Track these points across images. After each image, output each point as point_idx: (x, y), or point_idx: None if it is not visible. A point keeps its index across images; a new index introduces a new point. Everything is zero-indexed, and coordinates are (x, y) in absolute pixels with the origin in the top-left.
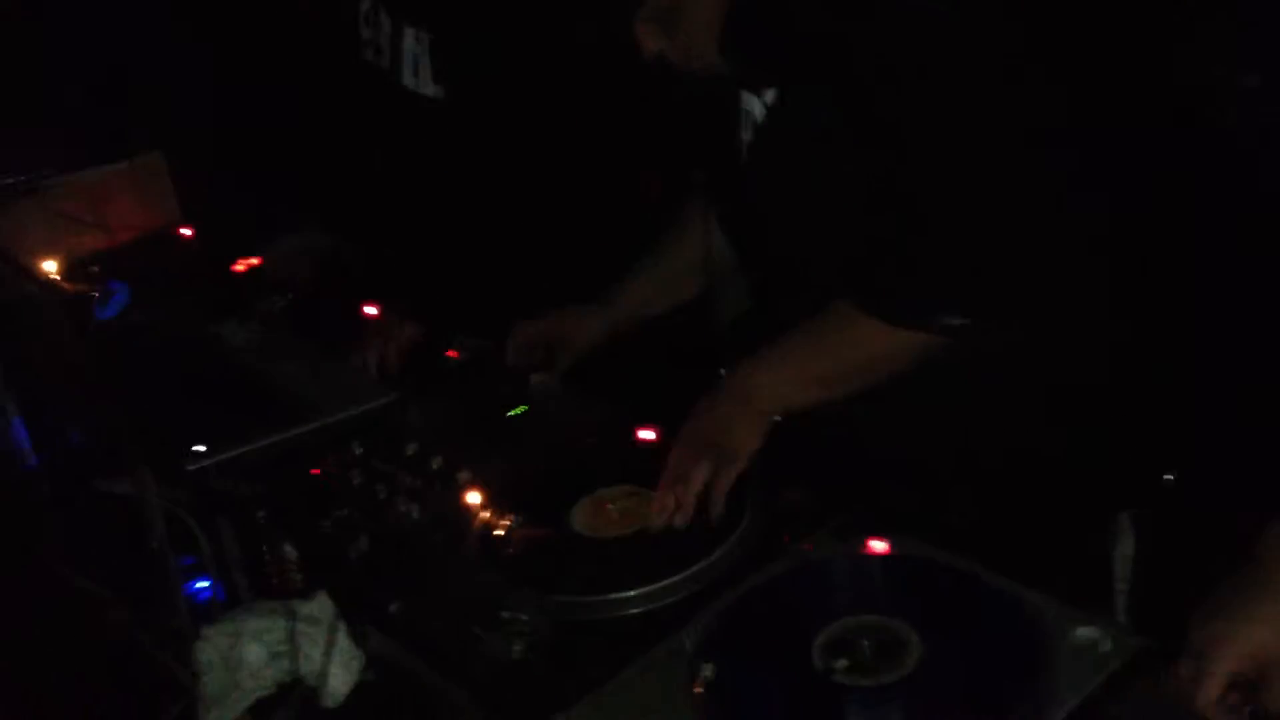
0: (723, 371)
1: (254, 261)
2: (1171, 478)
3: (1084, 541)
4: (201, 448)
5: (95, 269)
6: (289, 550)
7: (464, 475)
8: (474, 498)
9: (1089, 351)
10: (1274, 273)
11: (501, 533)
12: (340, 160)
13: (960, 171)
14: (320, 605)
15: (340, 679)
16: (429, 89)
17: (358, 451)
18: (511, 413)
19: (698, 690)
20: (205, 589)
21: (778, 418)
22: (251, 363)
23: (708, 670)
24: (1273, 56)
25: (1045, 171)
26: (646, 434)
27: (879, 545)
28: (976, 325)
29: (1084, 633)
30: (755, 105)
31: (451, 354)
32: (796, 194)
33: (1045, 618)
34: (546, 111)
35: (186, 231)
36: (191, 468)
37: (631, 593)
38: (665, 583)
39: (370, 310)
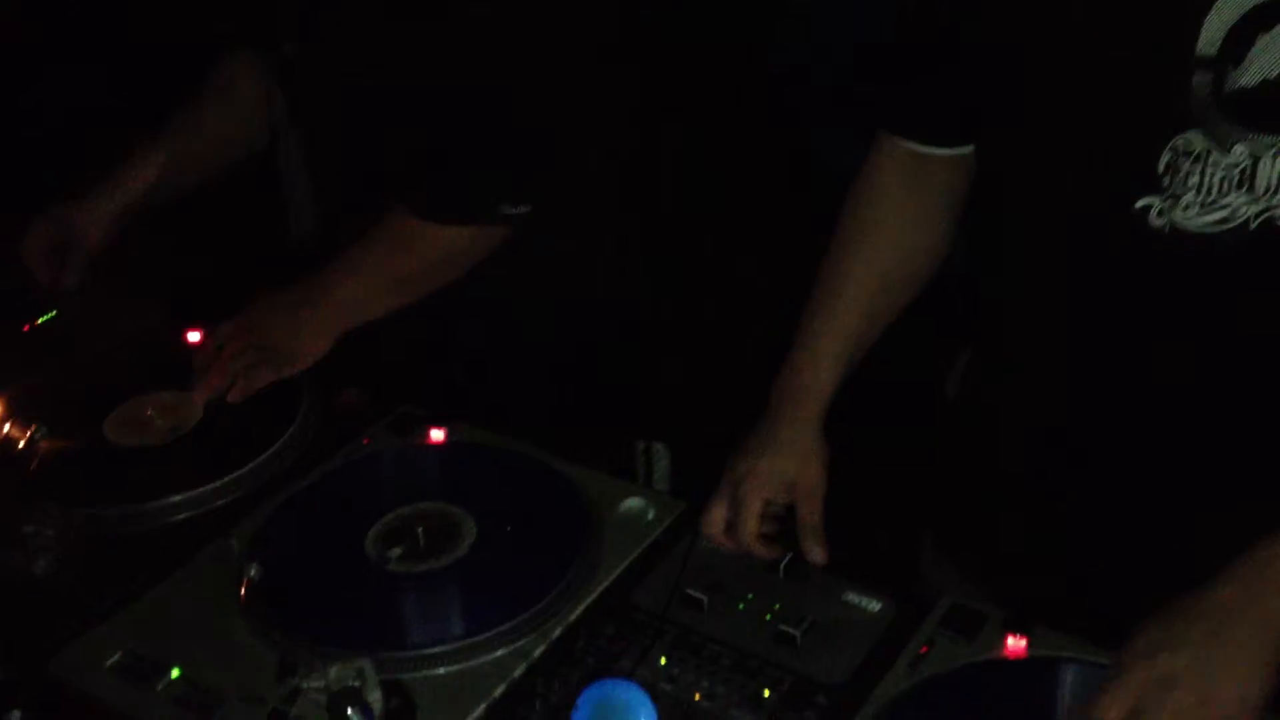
0: None
1: None
2: None
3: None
4: None
5: None
6: None
7: None
8: None
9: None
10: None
11: (23, 445)
12: None
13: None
14: None
15: None
16: None
17: None
18: (40, 319)
19: (242, 592)
20: None
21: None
22: None
23: (252, 570)
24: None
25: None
26: (194, 335)
27: (437, 434)
28: (534, 211)
29: (630, 503)
30: None
31: None
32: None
33: (593, 493)
34: None
35: None
36: None
37: (173, 498)
38: (209, 487)
39: None
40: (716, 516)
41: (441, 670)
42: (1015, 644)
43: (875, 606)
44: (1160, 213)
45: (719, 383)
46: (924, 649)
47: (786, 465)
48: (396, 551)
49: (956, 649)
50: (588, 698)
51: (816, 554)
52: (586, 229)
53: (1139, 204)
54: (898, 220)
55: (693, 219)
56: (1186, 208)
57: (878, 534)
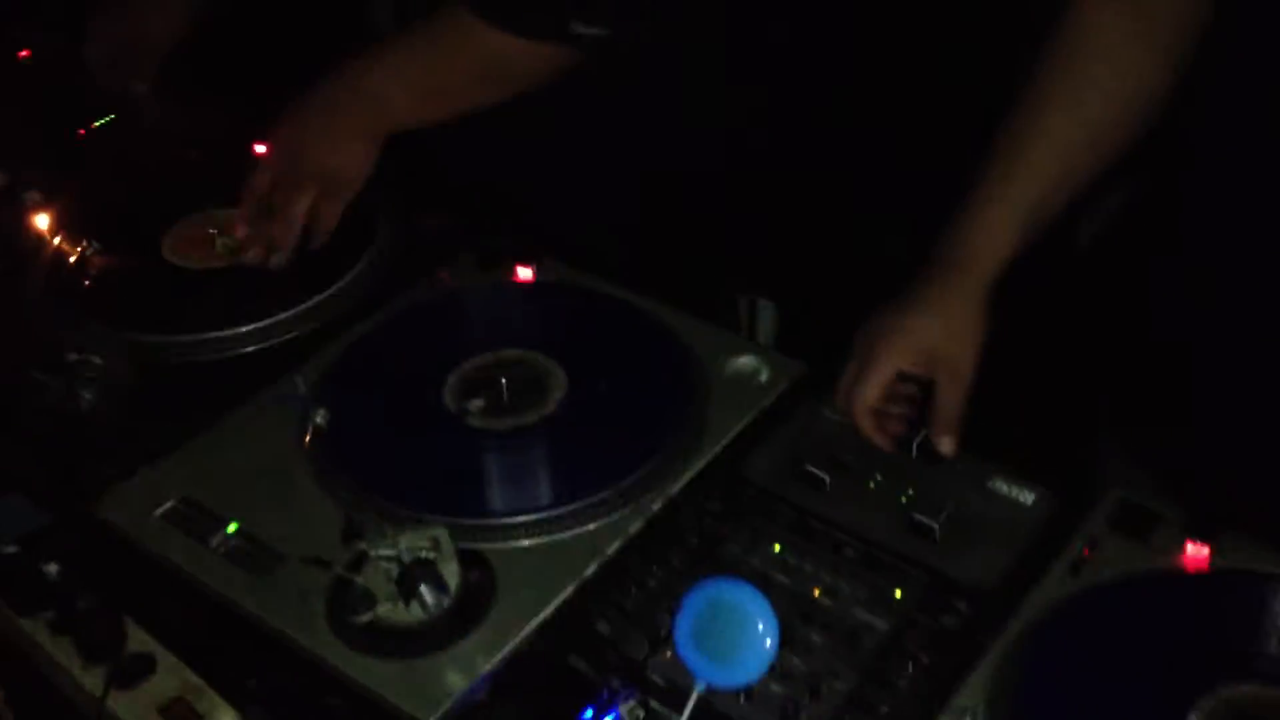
0: None
1: None
2: None
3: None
4: None
5: None
6: None
7: (33, 195)
8: (43, 221)
9: None
10: None
11: (74, 260)
12: None
13: None
14: None
15: None
16: None
17: None
18: (97, 123)
19: (308, 440)
20: None
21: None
22: None
23: (320, 417)
24: None
25: None
26: (262, 148)
27: (525, 272)
28: (610, 35)
29: (742, 361)
30: None
31: (24, 53)
32: None
33: (700, 347)
34: None
35: None
36: None
37: (238, 330)
38: (276, 319)
39: None
40: (847, 382)
41: (526, 543)
42: (1195, 552)
43: (1028, 498)
44: None
45: (839, 234)
46: (1086, 551)
47: (933, 332)
48: (477, 404)
49: (1125, 553)
50: (695, 599)
51: (946, 444)
52: (684, 57)
53: None
54: (1112, 64)
55: (814, 47)
56: None
57: (1030, 410)
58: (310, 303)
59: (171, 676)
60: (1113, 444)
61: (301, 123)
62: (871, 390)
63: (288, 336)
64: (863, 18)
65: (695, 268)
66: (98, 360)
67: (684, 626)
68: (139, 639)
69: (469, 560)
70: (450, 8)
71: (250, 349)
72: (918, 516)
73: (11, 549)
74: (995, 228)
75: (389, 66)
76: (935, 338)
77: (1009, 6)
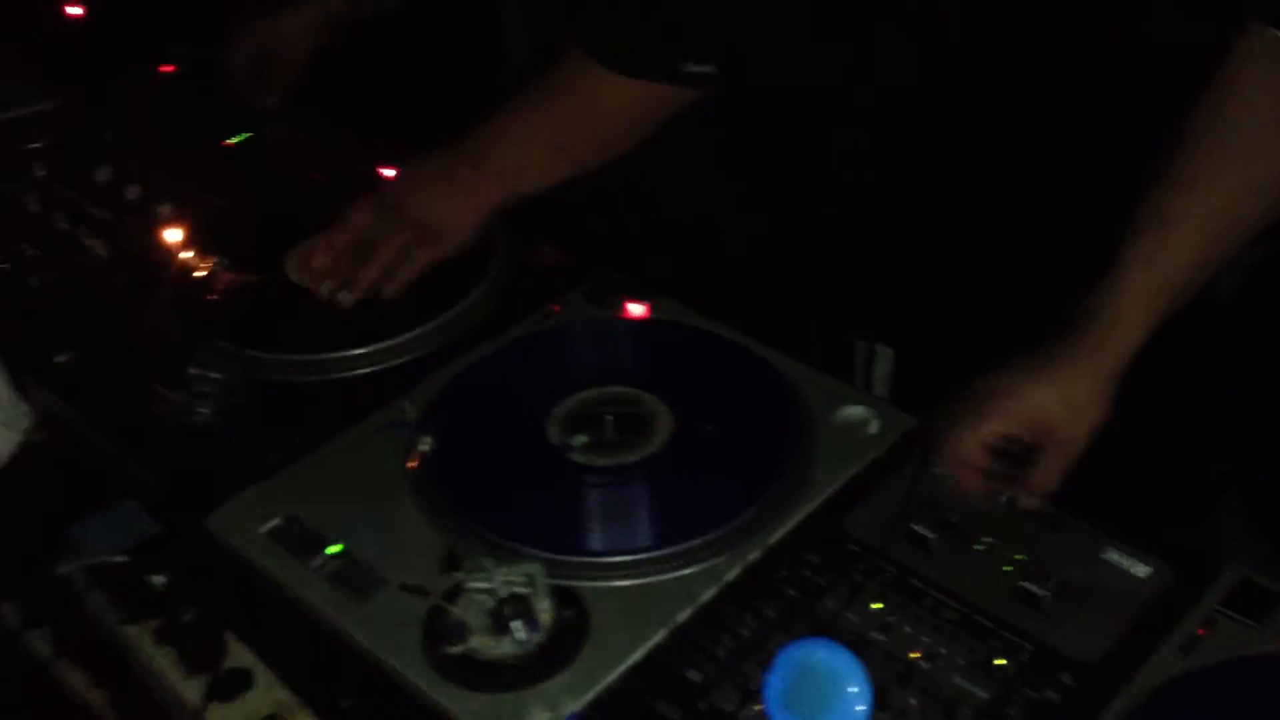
0: None
1: None
2: None
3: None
4: None
5: None
6: None
7: (165, 209)
8: (174, 235)
9: None
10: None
11: (202, 275)
12: None
13: None
14: None
15: (2, 438)
16: None
17: (39, 174)
18: (232, 140)
19: (411, 465)
20: None
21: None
22: None
23: (425, 443)
24: None
25: None
26: (390, 172)
27: (636, 309)
28: (720, 73)
29: (851, 411)
30: None
31: (166, 68)
32: None
33: (810, 394)
34: None
35: None
36: None
37: (347, 351)
38: (387, 343)
39: None
40: (955, 431)
41: (621, 583)
42: None
43: (1142, 570)
44: None
45: (966, 282)
46: (1200, 630)
47: (1051, 403)
48: (581, 439)
49: (1241, 634)
50: (788, 658)
51: (1030, 503)
52: (804, 96)
53: None
54: (1258, 143)
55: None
56: None
57: (1149, 475)
58: (423, 329)
59: (267, 693)
60: (1235, 512)
61: (415, 174)
62: (974, 445)
63: (398, 361)
64: (996, 66)
65: (814, 309)
66: (217, 376)
67: (776, 686)
68: (238, 653)
69: (563, 597)
70: (564, 61)
71: (361, 372)
72: (1025, 584)
73: (121, 558)
74: (1133, 310)
75: (506, 127)
76: (1051, 409)
77: (1148, 76)
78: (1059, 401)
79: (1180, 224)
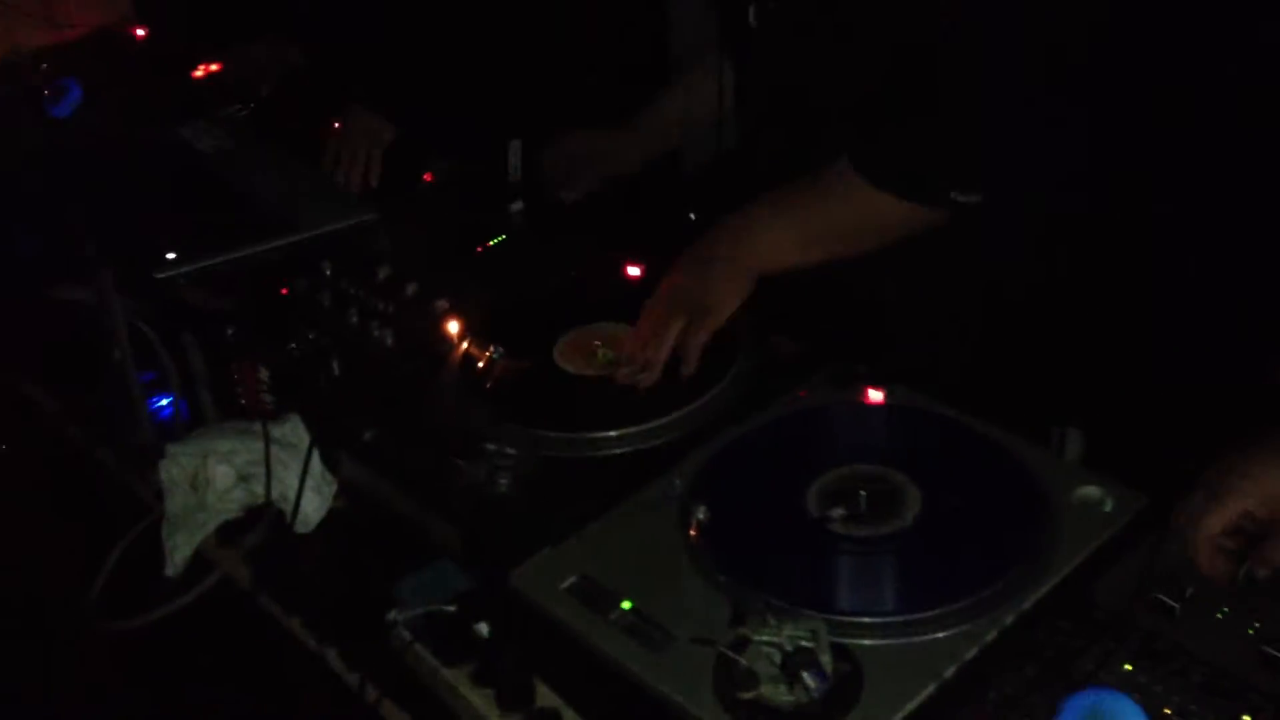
0: (692, 216)
1: (214, 67)
2: None
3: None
4: (172, 255)
5: (44, 65)
6: (261, 370)
7: (441, 304)
8: (453, 327)
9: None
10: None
11: (484, 364)
12: None
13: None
14: (293, 428)
15: (313, 505)
16: None
17: (328, 272)
18: (490, 242)
19: (693, 533)
20: (166, 407)
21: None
22: (220, 169)
23: (701, 513)
24: None
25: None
26: (634, 270)
27: (876, 394)
28: (983, 202)
29: (1087, 490)
30: None
31: (427, 177)
32: (805, 20)
33: (1047, 475)
34: None
35: (140, 31)
36: (160, 276)
37: (611, 432)
38: (652, 424)
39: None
40: (1193, 513)
41: (888, 641)
42: None
43: None
44: None
45: (1153, 368)
46: None
47: None
48: (839, 511)
49: None
50: (1076, 704)
51: (1263, 573)
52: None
53: None
54: None
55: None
56: None
57: None
58: (681, 413)
59: None
60: None
61: (691, 261)
62: (1215, 526)
63: (656, 442)
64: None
65: (1017, 395)
66: (511, 450)
67: None
68: (544, 694)
69: (838, 652)
70: (838, 166)
71: (623, 451)
72: (1269, 649)
73: (451, 609)
74: None
75: (773, 214)
76: None
77: None
78: None
79: None
